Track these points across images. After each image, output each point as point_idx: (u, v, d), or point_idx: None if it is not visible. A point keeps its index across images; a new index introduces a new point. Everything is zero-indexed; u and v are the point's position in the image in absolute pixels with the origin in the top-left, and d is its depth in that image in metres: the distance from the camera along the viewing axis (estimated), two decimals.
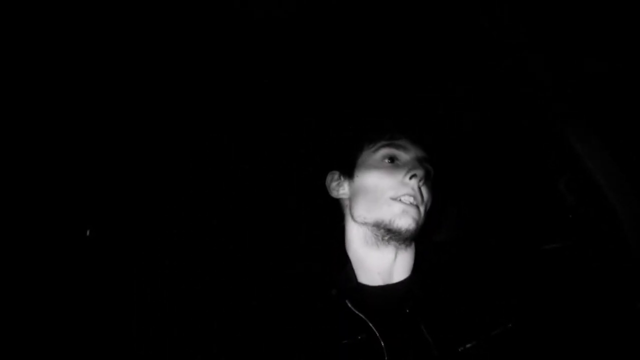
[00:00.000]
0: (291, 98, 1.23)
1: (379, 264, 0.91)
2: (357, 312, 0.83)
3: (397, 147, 0.94)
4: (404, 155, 0.94)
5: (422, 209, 0.90)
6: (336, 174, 1.02)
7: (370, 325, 0.81)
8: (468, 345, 0.80)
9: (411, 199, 0.89)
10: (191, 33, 0.99)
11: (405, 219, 0.87)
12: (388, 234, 0.89)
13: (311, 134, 1.27)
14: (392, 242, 0.90)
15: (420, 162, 0.93)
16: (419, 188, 0.90)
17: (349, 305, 0.84)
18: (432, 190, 0.94)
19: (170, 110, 1.24)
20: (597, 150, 1.05)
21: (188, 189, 1.40)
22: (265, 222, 1.35)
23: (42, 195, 1.18)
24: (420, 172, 0.88)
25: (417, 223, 0.88)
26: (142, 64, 1.05)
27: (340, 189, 0.99)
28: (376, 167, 0.93)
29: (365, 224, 0.92)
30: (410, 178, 0.89)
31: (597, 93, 1.07)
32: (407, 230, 0.87)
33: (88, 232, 1.28)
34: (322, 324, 0.85)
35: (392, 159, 0.93)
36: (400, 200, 0.89)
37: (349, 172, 0.98)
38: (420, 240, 0.96)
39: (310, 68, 1.15)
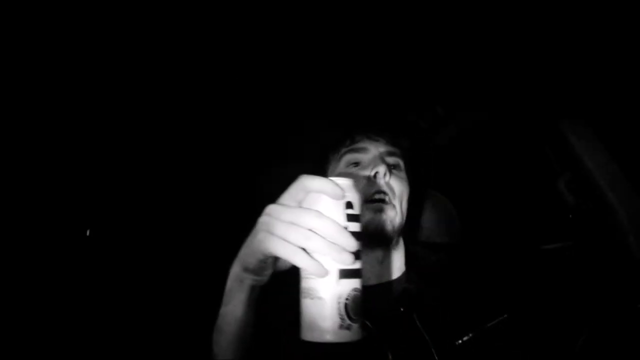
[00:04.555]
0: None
1: (368, 266, 0.90)
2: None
3: (358, 150, 0.94)
4: (365, 157, 0.93)
5: (396, 203, 0.89)
6: None
7: (369, 325, 0.81)
8: (465, 338, 0.80)
9: (382, 196, 0.88)
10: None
11: (380, 217, 0.86)
12: (369, 237, 0.87)
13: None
14: (376, 244, 0.89)
15: (382, 159, 0.92)
16: (387, 183, 0.89)
17: None
18: (407, 182, 0.93)
19: (168, 112, 1.24)
20: (596, 150, 1.05)
21: (191, 192, 1.41)
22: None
23: (42, 195, 1.18)
24: (381, 169, 0.87)
25: (393, 220, 0.87)
26: (139, 63, 1.05)
27: None
28: (343, 174, 0.92)
29: None
30: (375, 176, 0.88)
31: (597, 93, 1.07)
32: (384, 229, 0.86)
33: (88, 232, 1.28)
34: None
35: (356, 163, 0.93)
36: (372, 200, 0.88)
37: None
38: (409, 236, 0.96)
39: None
